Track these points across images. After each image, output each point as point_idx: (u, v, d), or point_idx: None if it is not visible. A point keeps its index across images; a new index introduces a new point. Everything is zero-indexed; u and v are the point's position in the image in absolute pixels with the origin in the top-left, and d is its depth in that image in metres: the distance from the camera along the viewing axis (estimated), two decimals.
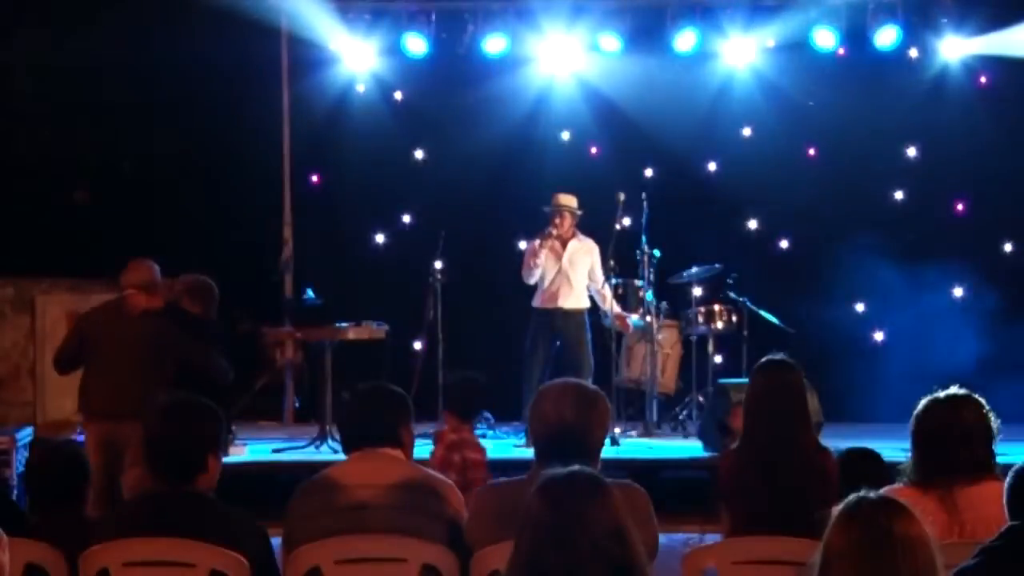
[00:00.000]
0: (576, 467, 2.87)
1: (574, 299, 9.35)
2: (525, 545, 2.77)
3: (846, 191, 10.86)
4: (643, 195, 9.67)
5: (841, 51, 10.46)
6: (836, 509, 2.88)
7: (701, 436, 9.12)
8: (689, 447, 9.17)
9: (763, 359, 4.97)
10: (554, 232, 9.27)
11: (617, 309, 9.50)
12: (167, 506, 3.78)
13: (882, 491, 3.75)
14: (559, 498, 2.76)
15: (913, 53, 10.64)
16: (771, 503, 4.49)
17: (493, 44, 10.37)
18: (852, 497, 2.85)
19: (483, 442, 9.31)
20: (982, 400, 3.97)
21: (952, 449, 3.82)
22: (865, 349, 10.93)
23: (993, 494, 3.72)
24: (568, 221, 9.35)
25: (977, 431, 3.86)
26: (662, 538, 3.74)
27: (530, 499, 2.79)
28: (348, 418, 4.23)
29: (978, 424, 3.86)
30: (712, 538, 5.78)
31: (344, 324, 9.23)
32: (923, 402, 3.98)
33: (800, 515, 4.36)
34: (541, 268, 9.27)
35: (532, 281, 9.33)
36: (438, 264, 9.52)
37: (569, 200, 9.39)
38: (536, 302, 9.41)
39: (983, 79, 10.73)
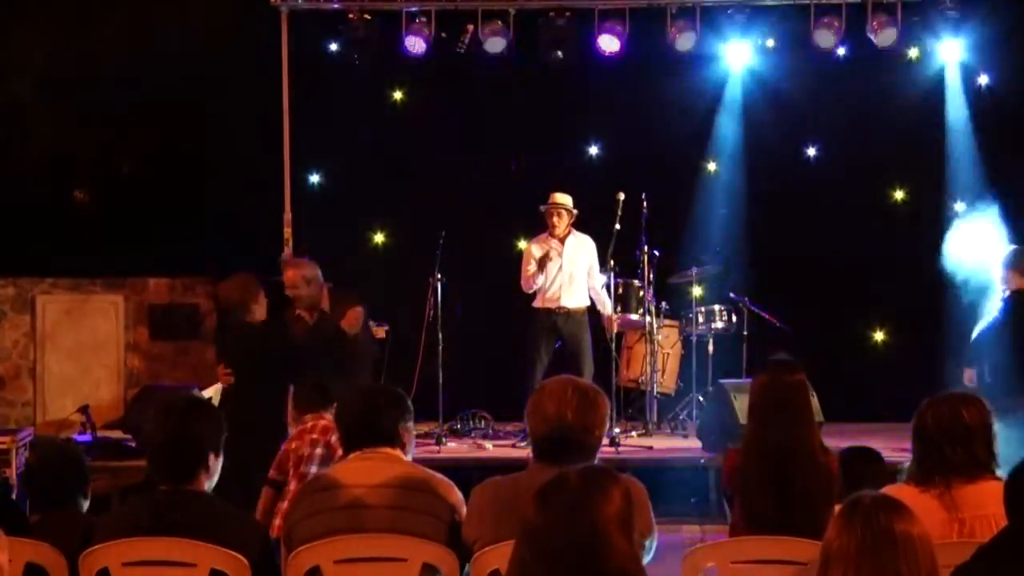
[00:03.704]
0: (579, 469, 2.88)
1: (575, 298, 9.36)
2: (519, 545, 2.80)
3: (846, 191, 10.86)
4: (643, 195, 9.67)
5: (841, 51, 10.46)
6: (837, 509, 2.89)
7: (701, 436, 9.12)
8: (689, 447, 9.18)
9: (767, 359, 4.96)
10: (547, 235, 9.29)
11: (609, 311, 9.47)
12: (167, 506, 3.78)
13: (882, 490, 3.76)
14: (548, 501, 2.78)
15: (913, 53, 10.64)
16: (774, 503, 4.48)
17: (493, 44, 10.36)
18: (852, 496, 2.85)
19: (483, 442, 9.41)
20: (984, 400, 3.97)
21: (952, 448, 3.82)
22: (865, 349, 10.93)
23: (992, 493, 3.73)
24: (565, 219, 9.37)
25: (978, 431, 3.86)
26: (662, 537, 3.75)
27: (529, 499, 2.82)
28: (348, 418, 4.22)
29: (979, 424, 3.87)
30: (712, 538, 5.78)
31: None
32: (925, 401, 3.99)
33: (803, 515, 4.36)
34: (541, 278, 9.26)
35: (532, 289, 9.34)
36: (438, 264, 9.51)
37: (565, 199, 9.40)
38: (537, 302, 9.41)
39: (982, 79, 10.75)
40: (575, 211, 9.40)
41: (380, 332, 9.43)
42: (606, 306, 9.46)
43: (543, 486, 2.84)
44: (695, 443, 9.16)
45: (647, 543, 3.61)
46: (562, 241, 9.36)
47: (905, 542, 2.73)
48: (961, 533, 3.73)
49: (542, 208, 9.41)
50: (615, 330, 9.60)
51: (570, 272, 9.33)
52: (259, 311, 6.96)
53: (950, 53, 10.44)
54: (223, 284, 7.07)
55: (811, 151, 10.93)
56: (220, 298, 7.02)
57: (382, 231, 11.14)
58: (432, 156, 11.05)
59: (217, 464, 3.88)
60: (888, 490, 3.85)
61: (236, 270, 7.61)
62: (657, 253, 9.72)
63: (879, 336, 10.96)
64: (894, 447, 7.72)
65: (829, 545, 2.78)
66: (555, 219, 9.33)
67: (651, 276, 9.67)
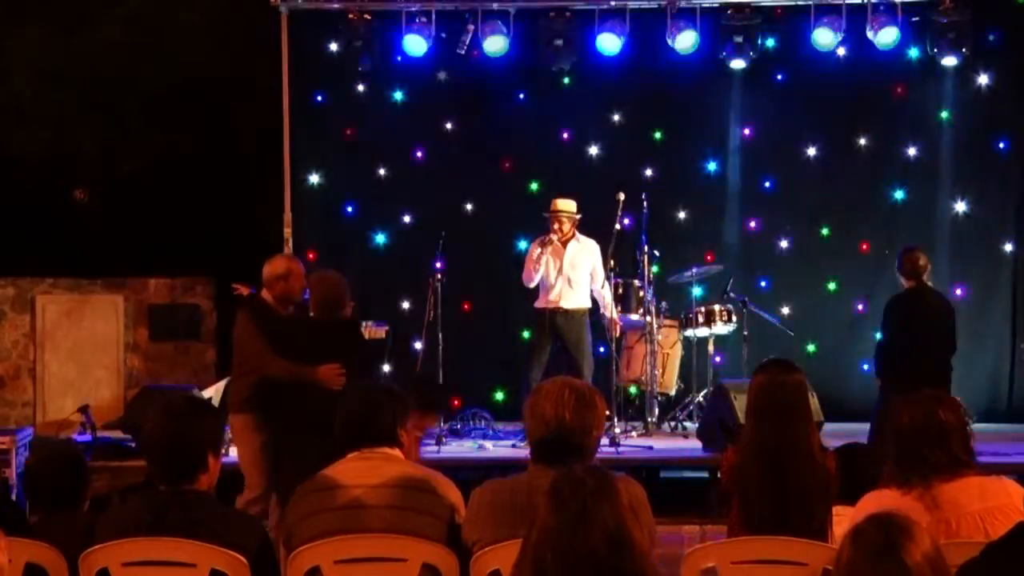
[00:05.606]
0: (584, 468, 2.87)
1: (575, 300, 9.36)
2: (531, 544, 2.80)
3: (846, 190, 10.86)
4: (643, 195, 9.67)
5: (841, 51, 10.46)
6: (838, 509, 2.87)
7: (701, 436, 9.12)
8: (689, 447, 9.18)
9: (765, 359, 4.96)
10: (553, 239, 9.29)
11: (614, 314, 9.46)
12: (167, 506, 3.77)
13: (866, 495, 3.75)
14: (565, 500, 2.77)
15: (913, 53, 10.64)
16: (772, 502, 4.47)
17: (493, 44, 10.36)
18: (863, 518, 2.81)
19: (483, 442, 9.41)
20: (958, 399, 3.97)
21: (929, 449, 3.82)
22: (865, 349, 10.92)
23: (972, 488, 3.73)
24: (567, 226, 9.36)
25: (953, 430, 3.86)
26: (662, 537, 3.75)
27: (540, 500, 2.81)
28: (347, 418, 4.22)
29: (954, 423, 3.87)
30: (712, 538, 5.78)
31: None
32: (900, 402, 3.99)
33: (801, 515, 4.36)
34: (541, 273, 9.28)
35: (532, 285, 9.35)
36: (438, 264, 9.52)
37: (568, 205, 9.38)
38: (538, 303, 9.42)
39: (982, 79, 10.75)
40: (578, 216, 9.38)
41: (380, 332, 9.43)
42: (610, 309, 9.45)
43: (553, 487, 2.83)
44: (695, 443, 9.16)
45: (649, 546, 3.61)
46: (564, 246, 9.35)
47: (920, 557, 2.70)
48: (948, 534, 3.72)
49: (545, 215, 9.40)
50: (616, 334, 9.60)
51: (570, 276, 9.33)
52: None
53: (949, 53, 10.43)
54: (317, 282, 6.74)
55: (811, 151, 10.92)
56: (318, 296, 6.71)
57: (382, 231, 11.13)
58: (432, 156, 11.04)
59: (217, 463, 3.87)
60: (871, 494, 3.84)
61: (235, 271, 7.59)
62: (657, 253, 9.72)
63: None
64: None
65: (842, 564, 2.72)
66: (556, 225, 9.33)
67: (651, 276, 9.68)
